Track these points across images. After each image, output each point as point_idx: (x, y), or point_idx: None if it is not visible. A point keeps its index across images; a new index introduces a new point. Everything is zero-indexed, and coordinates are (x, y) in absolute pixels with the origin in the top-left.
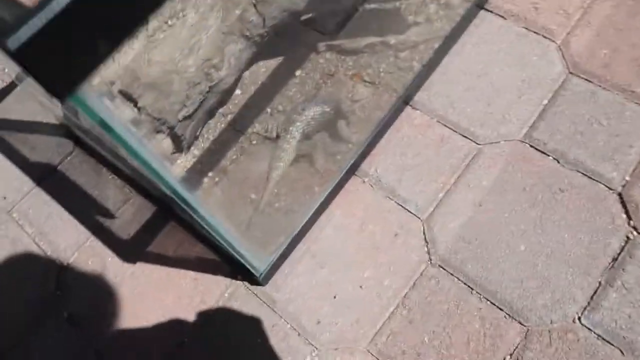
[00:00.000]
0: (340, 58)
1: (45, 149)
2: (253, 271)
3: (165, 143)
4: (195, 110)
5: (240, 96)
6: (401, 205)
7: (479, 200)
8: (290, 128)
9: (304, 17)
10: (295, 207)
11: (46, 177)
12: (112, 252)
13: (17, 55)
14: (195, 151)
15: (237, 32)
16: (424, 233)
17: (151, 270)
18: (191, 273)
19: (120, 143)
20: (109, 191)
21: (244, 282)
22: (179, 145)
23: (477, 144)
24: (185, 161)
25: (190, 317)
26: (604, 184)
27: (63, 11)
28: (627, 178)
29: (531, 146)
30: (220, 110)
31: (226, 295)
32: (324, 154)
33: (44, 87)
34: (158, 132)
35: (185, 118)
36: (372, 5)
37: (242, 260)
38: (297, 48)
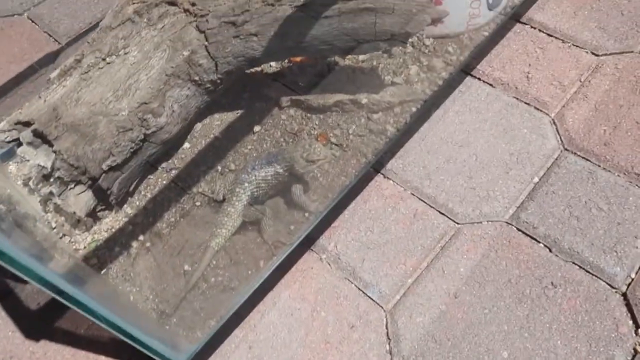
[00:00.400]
0: (306, 115)
1: None
2: None
3: (85, 196)
4: (126, 161)
5: (188, 150)
6: (362, 291)
7: (455, 291)
8: (237, 189)
9: (272, 71)
10: (234, 283)
11: None
12: (14, 325)
13: None
14: (129, 209)
15: (183, 75)
16: (386, 327)
17: (55, 351)
18: (102, 358)
19: None
20: None
21: None
22: (105, 200)
23: (455, 222)
24: (114, 220)
25: None
26: (605, 281)
27: None
28: (633, 275)
29: (519, 230)
30: (164, 164)
31: None
32: (274, 223)
33: None
34: (77, 182)
35: (112, 169)
36: (346, 62)
37: (152, 354)
38: (257, 101)
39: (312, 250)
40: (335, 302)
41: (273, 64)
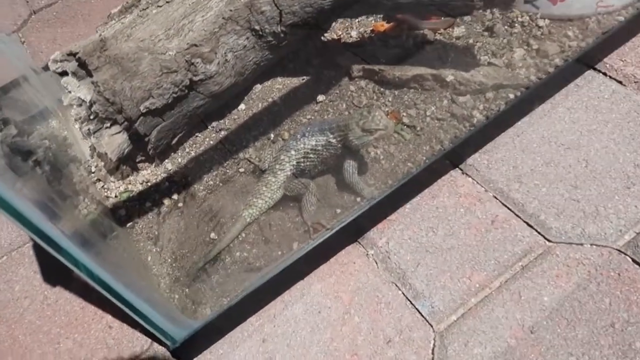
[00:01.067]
0: (378, 89)
1: None
2: (163, 338)
3: (119, 138)
4: (168, 108)
5: (243, 112)
6: (410, 301)
7: (532, 324)
8: (282, 157)
9: (351, 41)
10: (260, 263)
11: None
12: (38, 266)
13: None
14: (169, 165)
15: (242, 21)
16: (432, 351)
17: (66, 300)
18: (108, 318)
19: None
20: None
21: (167, 350)
22: (144, 149)
23: (546, 239)
24: (152, 174)
25: None
26: None
27: None
28: None
29: (635, 262)
30: (214, 123)
31: None
32: (318, 202)
33: None
34: (112, 122)
35: (150, 112)
36: (437, 37)
37: (145, 324)
38: (327, 69)
39: (358, 242)
40: (374, 309)
41: (353, 33)
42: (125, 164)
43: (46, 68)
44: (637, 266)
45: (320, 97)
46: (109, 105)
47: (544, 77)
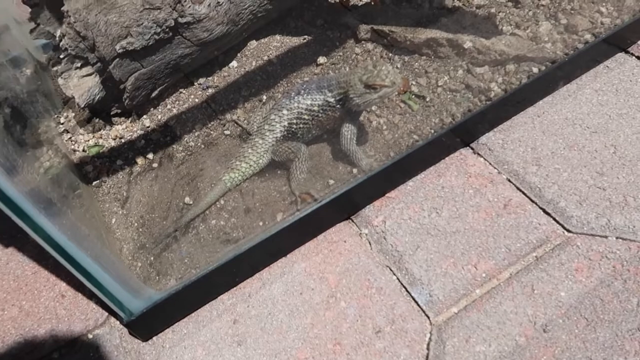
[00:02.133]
0: (387, 54)
1: None
2: (117, 309)
3: (90, 81)
4: (149, 52)
5: (234, 69)
6: (405, 287)
7: (545, 322)
8: (272, 116)
9: (360, 4)
10: (238, 233)
11: None
12: None
13: None
14: (147, 121)
15: None
16: (427, 346)
17: (18, 264)
18: (62, 285)
19: None
20: None
21: (124, 326)
22: (119, 99)
23: (565, 229)
24: (127, 130)
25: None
26: None
27: None
28: None
29: None
30: (201, 80)
31: (89, 336)
32: (308, 170)
33: None
34: (83, 61)
35: (128, 54)
36: (456, 3)
37: (96, 287)
38: (331, 30)
39: (351, 220)
40: (363, 294)
41: None
42: (98, 115)
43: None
44: None
45: (322, 59)
46: (80, 41)
47: (572, 53)
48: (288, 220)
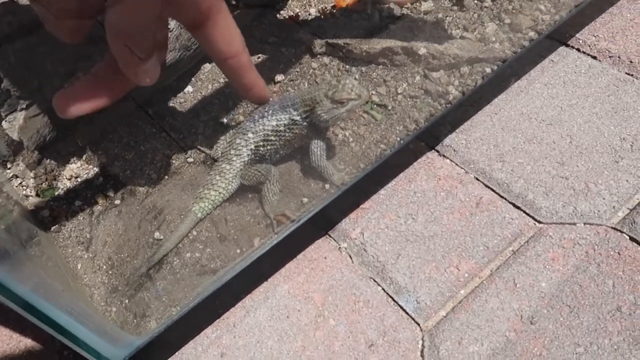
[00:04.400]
0: (343, 66)
1: None
2: None
3: (39, 122)
4: None
5: (190, 95)
6: (391, 297)
7: (531, 314)
8: (237, 141)
9: (310, 18)
10: (216, 264)
11: None
12: None
13: None
14: (103, 157)
15: None
16: (422, 353)
17: None
18: (27, 342)
19: None
20: None
21: None
22: (69, 135)
23: (536, 221)
24: (82, 168)
25: None
26: None
27: None
28: None
29: (633, 240)
30: (154, 108)
31: None
32: (281, 191)
33: None
34: (28, 101)
35: None
36: (404, 11)
37: (72, 342)
38: (285, 47)
39: (329, 235)
40: (351, 309)
41: (312, 10)
42: (49, 156)
43: None
44: (636, 244)
45: (279, 77)
46: (24, 82)
47: (520, 50)
48: (266, 244)
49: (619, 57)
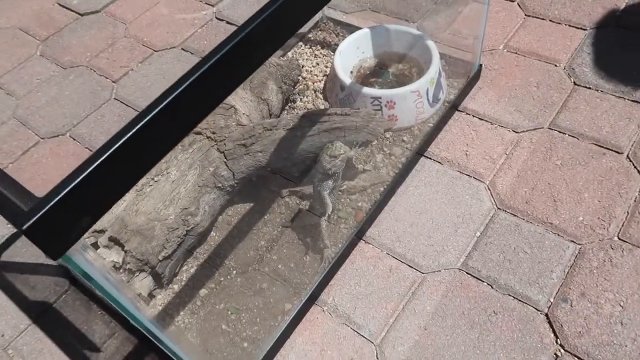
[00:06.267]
0: (300, 202)
1: (44, 288)
2: None
3: (147, 281)
4: (174, 251)
5: (214, 237)
6: (356, 331)
7: (424, 324)
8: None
9: (272, 167)
10: (260, 335)
11: (42, 314)
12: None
13: (27, 233)
14: (175, 286)
15: (211, 184)
16: (377, 357)
17: None
18: None
19: (100, 290)
20: (97, 326)
21: None
22: (160, 281)
23: (421, 273)
24: (165, 295)
25: None
26: (532, 306)
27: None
28: (552, 300)
29: (468, 273)
30: (199, 249)
31: None
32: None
33: (41, 249)
34: (141, 271)
35: (165, 258)
36: None
37: None
38: (263, 194)
39: (316, 304)
40: (337, 342)
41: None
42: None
43: None
44: (469, 276)
45: (266, 216)
46: (140, 262)
47: (397, 170)
48: (285, 320)
49: (452, 161)
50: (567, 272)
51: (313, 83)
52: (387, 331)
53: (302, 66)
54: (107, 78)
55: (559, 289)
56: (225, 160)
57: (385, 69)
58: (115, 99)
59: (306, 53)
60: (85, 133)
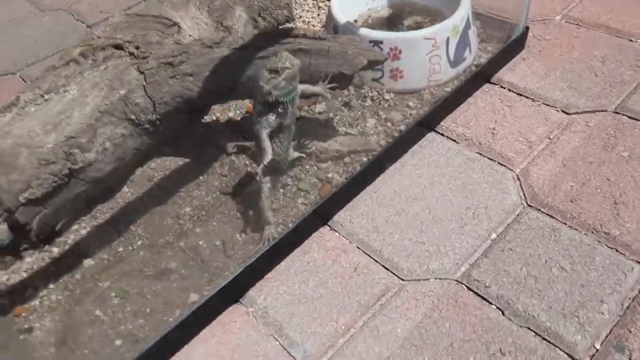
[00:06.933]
0: (250, 163)
1: None
2: None
3: None
4: (49, 196)
5: (127, 194)
6: (286, 349)
7: (388, 354)
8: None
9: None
10: (143, 332)
11: None
12: None
13: None
14: (55, 249)
15: (119, 113)
16: None
17: None
18: None
19: None
20: None
21: None
22: (27, 237)
23: (400, 279)
24: (38, 259)
25: None
26: (563, 351)
27: None
28: (597, 346)
29: (469, 288)
30: (102, 207)
31: None
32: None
33: None
34: None
35: (31, 202)
36: (302, 114)
37: None
38: (204, 148)
39: (240, 302)
40: None
41: (231, 113)
42: (8, 254)
43: None
44: (470, 292)
45: (202, 176)
46: None
47: (391, 141)
48: (181, 316)
49: (471, 140)
50: (628, 307)
51: None
52: (332, 357)
53: (299, 17)
54: (83, 22)
55: (611, 330)
56: (144, 83)
57: (399, 22)
58: None
59: (308, 4)
60: (36, 74)
